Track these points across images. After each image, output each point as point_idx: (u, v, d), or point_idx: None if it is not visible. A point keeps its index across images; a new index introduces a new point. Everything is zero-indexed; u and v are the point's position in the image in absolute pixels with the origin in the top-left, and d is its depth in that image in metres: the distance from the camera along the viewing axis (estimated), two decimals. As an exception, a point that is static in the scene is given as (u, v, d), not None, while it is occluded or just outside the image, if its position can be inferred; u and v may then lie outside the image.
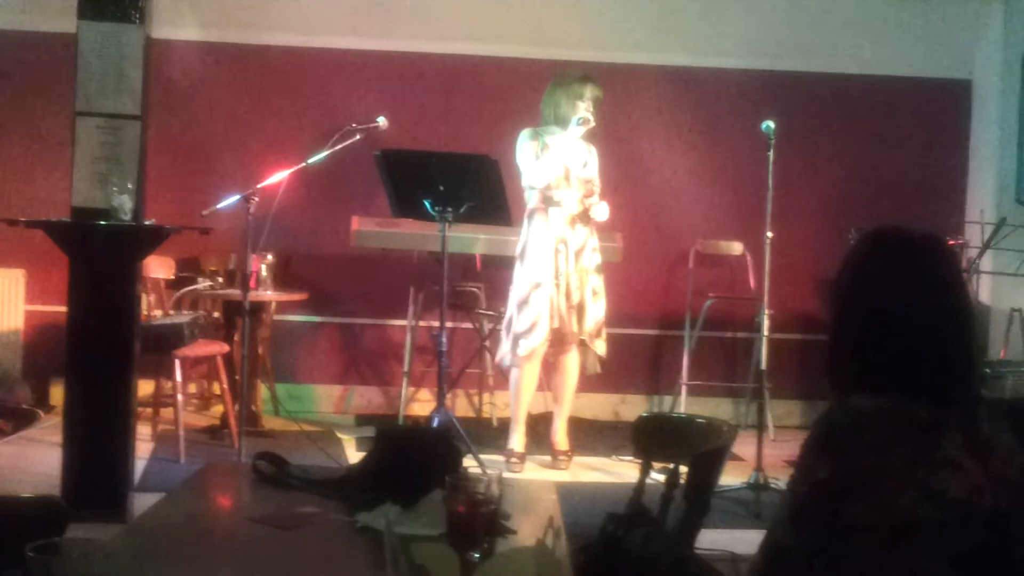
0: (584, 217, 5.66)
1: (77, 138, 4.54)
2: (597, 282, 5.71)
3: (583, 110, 5.58)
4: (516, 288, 5.67)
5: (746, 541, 3.89)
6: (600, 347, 5.73)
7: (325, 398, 7.21)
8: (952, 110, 7.45)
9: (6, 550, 1.67)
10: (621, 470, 5.74)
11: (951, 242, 6.05)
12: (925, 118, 7.43)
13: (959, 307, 1.92)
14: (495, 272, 6.66)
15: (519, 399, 5.71)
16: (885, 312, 1.89)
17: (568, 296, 5.58)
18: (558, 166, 5.60)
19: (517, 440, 5.73)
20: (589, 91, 5.62)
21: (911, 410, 1.81)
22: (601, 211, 5.63)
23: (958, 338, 1.90)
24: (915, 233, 1.94)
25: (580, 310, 5.62)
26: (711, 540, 3.51)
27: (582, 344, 5.71)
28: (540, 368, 5.79)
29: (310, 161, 5.44)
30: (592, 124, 5.59)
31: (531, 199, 5.70)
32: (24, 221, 4.64)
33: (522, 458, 5.71)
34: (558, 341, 5.69)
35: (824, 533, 1.78)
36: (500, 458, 5.66)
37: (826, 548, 1.78)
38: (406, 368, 6.79)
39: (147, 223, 4.65)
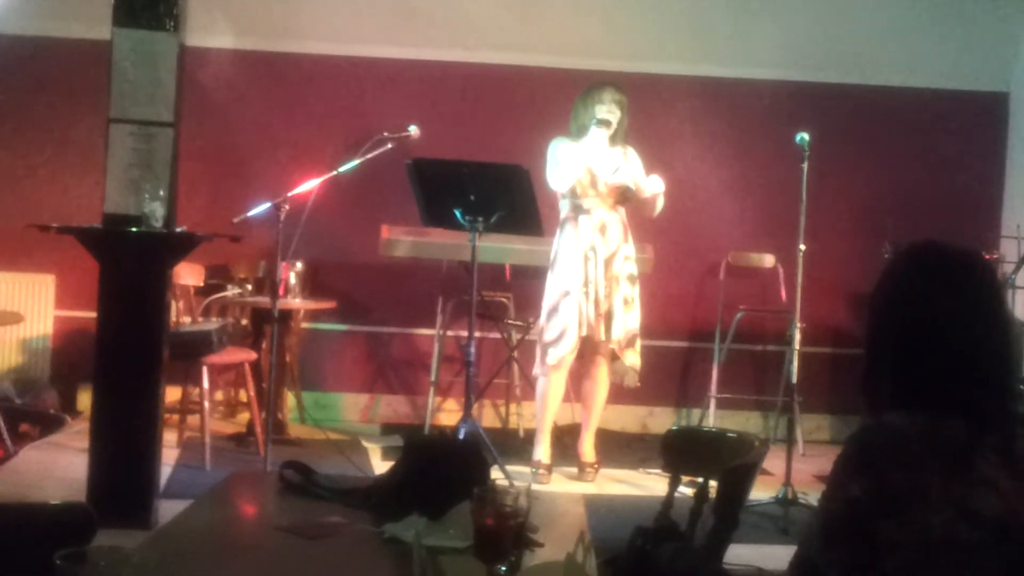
0: (622, 199, 5.63)
1: (110, 145, 4.55)
2: (629, 291, 5.64)
3: (604, 113, 5.54)
4: (547, 297, 5.65)
5: (774, 557, 3.87)
6: (631, 358, 5.65)
7: (351, 407, 7.21)
8: (989, 123, 7.37)
9: (35, 558, 1.67)
10: (648, 483, 5.71)
11: (987, 256, 5.99)
12: (961, 131, 7.36)
13: (996, 324, 1.89)
14: (525, 282, 6.65)
15: (545, 409, 5.68)
16: (921, 328, 1.86)
17: (597, 304, 5.53)
18: (580, 169, 5.54)
19: (543, 451, 5.70)
20: (608, 95, 5.57)
21: (946, 428, 1.78)
22: (653, 182, 5.58)
23: (994, 355, 1.87)
24: (952, 249, 1.92)
25: (608, 318, 5.56)
26: (738, 555, 3.49)
27: (613, 355, 5.67)
28: (568, 378, 5.77)
29: (341, 170, 5.44)
30: (613, 126, 5.55)
31: (563, 208, 5.68)
32: (56, 227, 4.65)
33: (549, 469, 5.68)
34: (588, 351, 5.67)
35: (856, 551, 1.75)
36: (526, 469, 5.64)
37: (858, 567, 1.75)
38: (433, 378, 6.77)
39: (178, 230, 4.66)
